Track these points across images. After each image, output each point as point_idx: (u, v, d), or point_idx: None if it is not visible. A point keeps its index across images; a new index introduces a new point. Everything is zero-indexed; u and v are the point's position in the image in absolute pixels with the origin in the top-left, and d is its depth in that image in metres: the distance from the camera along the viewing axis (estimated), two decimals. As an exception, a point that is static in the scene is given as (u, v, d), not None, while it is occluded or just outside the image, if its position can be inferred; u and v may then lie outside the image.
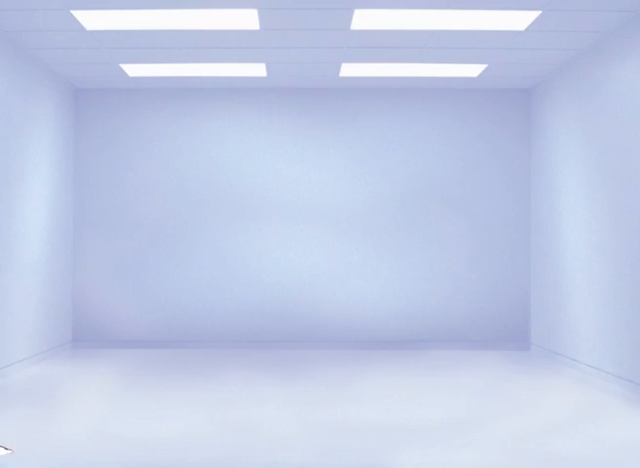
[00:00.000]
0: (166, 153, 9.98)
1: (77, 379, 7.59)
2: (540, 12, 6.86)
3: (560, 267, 8.86)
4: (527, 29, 7.40)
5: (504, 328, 9.96)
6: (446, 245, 9.97)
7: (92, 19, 7.08)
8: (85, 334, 9.92)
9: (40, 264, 8.72)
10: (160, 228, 9.95)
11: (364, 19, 7.10)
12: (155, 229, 9.95)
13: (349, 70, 9.01)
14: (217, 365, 8.55)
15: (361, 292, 9.95)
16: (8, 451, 4.77)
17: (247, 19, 7.11)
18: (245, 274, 9.93)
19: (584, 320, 8.14)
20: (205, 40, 7.80)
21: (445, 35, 7.62)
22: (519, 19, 7.08)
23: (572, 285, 8.50)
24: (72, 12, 6.86)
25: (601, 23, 7.20)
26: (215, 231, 9.95)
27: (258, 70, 9.02)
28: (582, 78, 8.20)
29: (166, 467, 4.50)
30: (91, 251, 9.95)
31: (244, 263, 9.93)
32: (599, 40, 7.74)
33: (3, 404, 6.35)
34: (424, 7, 6.75)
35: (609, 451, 4.90)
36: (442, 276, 9.97)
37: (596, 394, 6.94)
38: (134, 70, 9.02)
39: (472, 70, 9.00)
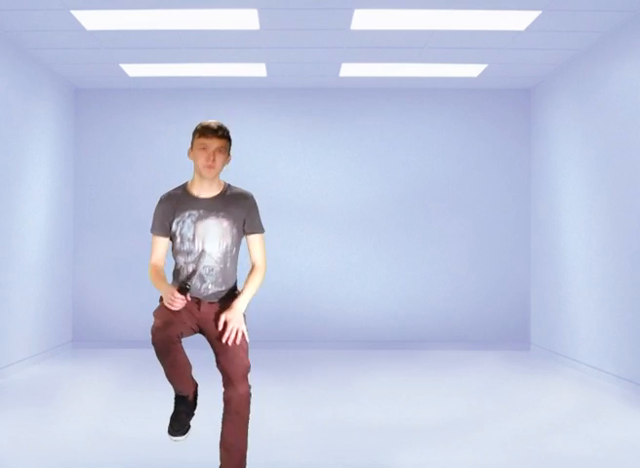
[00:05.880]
0: (166, 153, 9.98)
1: (77, 379, 7.59)
2: (539, 12, 6.86)
3: (560, 267, 8.86)
4: (527, 29, 7.40)
5: (504, 328, 9.96)
6: (446, 245, 9.97)
7: (92, 19, 7.09)
8: (85, 334, 9.92)
9: (40, 264, 8.72)
10: (160, 228, 9.93)
11: (364, 19, 7.10)
12: (155, 229, 9.93)
13: (349, 70, 9.01)
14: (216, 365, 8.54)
15: (361, 292, 9.95)
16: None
17: (247, 19, 7.11)
18: (245, 274, 9.92)
19: (584, 320, 8.14)
20: (205, 40, 7.80)
21: (445, 35, 7.62)
22: (519, 19, 7.09)
23: (572, 285, 8.50)
24: (72, 12, 6.86)
25: (601, 23, 7.20)
26: (215, 231, 9.93)
27: (258, 70, 9.02)
28: (582, 78, 8.20)
29: (166, 467, 4.50)
30: (91, 251, 9.95)
31: (244, 263, 9.92)
32: (599, 40, 7.74)
33: (3, 404, 6.36)
34: (424, 7, 6.75)
35: (609, 451, 4.90)
36: (442, 276, 9.96)
37: (596, 394, 6.93)
38: (134, 70, 9.02)
39: (472, 70, 9.00)
